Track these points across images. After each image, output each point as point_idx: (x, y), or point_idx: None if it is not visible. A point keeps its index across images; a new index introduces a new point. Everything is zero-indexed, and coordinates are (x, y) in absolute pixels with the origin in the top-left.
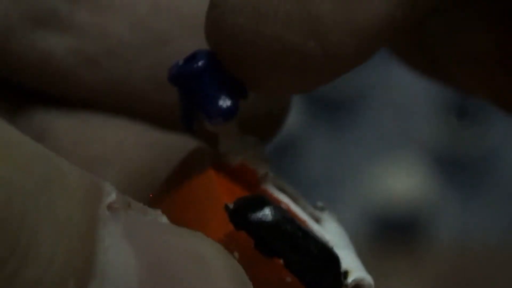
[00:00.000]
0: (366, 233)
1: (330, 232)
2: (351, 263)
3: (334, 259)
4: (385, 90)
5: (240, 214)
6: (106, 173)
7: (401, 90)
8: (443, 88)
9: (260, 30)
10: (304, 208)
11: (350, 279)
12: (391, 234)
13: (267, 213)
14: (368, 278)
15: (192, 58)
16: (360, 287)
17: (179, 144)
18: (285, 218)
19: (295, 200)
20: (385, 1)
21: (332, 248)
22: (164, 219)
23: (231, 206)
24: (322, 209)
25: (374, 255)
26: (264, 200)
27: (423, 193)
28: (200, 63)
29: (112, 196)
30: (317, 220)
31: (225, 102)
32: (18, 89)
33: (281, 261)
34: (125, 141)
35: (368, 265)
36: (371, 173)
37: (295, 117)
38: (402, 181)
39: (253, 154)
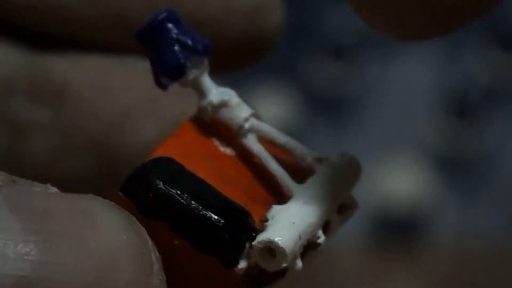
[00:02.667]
0: (365, 233)
1: (300, 193)
2: (280, 229)
3: (236, 221)
4: (384, 89)
5: (126, 181)
6: (141, 126)
7: (400, 90)
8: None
9: None
10: (298, 157)
11: (255, 241)
12: (390, 234)
13: (147, 181)
14: (282, 242)
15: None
16: (273, 251)
17: None
18: (172, 181)
19: (286, 149)
20: None
21: (238, 209)
22: (54, 189)
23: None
24: (319, 161)
25: (373, 255)
26: (153, 168)
27: (422, 193)
28: (160, 17)
29: None
30: (305, 174)
31: (172, 61)
32: (28, 35)
33: (164, 223)
34: (151, 90)
35: (368, 264)
36: (370, 173)
37: (294, 116)
38: (401, 181)
39: (228, 109)
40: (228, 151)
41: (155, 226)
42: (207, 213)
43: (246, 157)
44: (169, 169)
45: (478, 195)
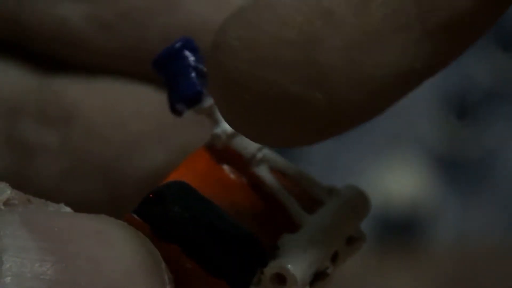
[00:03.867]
0: (366, 233)
1: (310, 223)
2: (291, 257)
3: (247, 247)
4: None
5: (141, 203)
6: (150, 153)
7: None
8: (444, 88)
9: (259, 76)
10: (308, 189)
11: (267, 268)
12: (391, 234)
13: (162, 204)
14: (293, 269)
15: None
16: (284, 278)
17: None
18: (186, 205)
19: (296, 180)
20: (400, 50)
21: (249, 236)
22: (67, 209)
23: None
24: (330, 191)
25: (373, 255)
26: (170, 192)
27: (423, 193)
28: (177, 45)
29: (5, 194)
30: (314, 205)
31: (189, 89)
32: (40, 58)
33: (177, 247)
34: (162, 118)
35: (368, 264)
36: (370, 173)
37: None
38: (402, 181)
39: (242, 138)
40: (239, 179)
41: (167, 249)
42: (220, 239)
43: (257, 186)
44: (184, 193)
45: (478, 195)
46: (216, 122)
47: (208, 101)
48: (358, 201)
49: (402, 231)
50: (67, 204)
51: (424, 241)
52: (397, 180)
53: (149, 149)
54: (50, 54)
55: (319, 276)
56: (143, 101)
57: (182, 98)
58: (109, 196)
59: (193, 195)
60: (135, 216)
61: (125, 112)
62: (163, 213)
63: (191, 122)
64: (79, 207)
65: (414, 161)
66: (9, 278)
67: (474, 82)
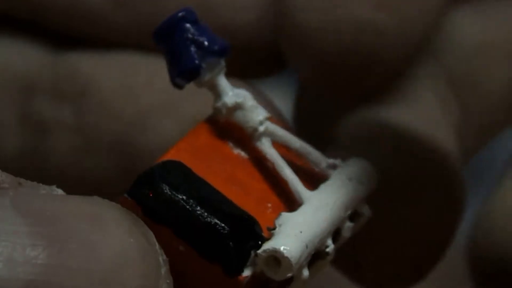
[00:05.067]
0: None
1: (310, 200)
2: (286, 238)
3: (241, 229)
4: None
5: (133, 185)
6: (162, 125)
7: None
8: None
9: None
10: (311, 163)
11: (260, 250)
12: None
13: (153, 185)
14: (288, 251)
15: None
16: (278, 260)
17: None
18: (178, 186)
19: (300, 154)
20: None
21: (244, 217)
22: (59, 191)
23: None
24: (333, 166)
25: None
26: (160, 173)
27: None
28: (177, 16)
29: None
30: (317, 180)
31: (187, 62)
32: (54, 34)
33: (169, 229)
34: (174, 90)
35: None
36: None
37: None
38: None
39: (243, 112)
40: (241, 154)
41: (159, 231)
42: (212, 220)
43: (259, 161)
44: (177, 173)
45: (478, 195)
46: (217, 96)
47: (208, 75)
48: (363, 175)
49: None
50: (81, 180)
51: None
52: None
53: (161, 121)
54: (64, 30)
55: (319, 255)
56: (155, 74)
57: (181, 72)
58: (122, 169)
59: (185, 176)
60: (127, 197)
61: (137, 86)
62: (153, 195)
63: (202, 93)
64: (93, 182)
65: None
66: (0, 263)
67: None
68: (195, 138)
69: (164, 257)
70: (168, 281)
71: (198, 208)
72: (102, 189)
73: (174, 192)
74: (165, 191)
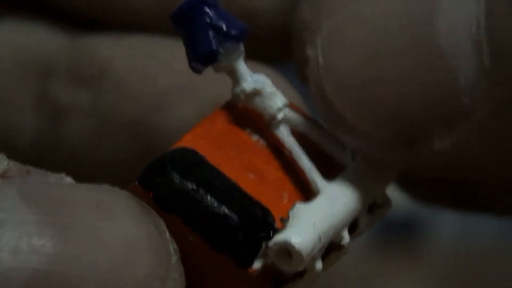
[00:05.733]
0: (366, 233)
1: (327, 191)
2: (299, 230)
3: (253, 220)
4: None
5: (143, 172)
6: (179, 108)
7: None
8: None
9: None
10: (330, 152)
11: (272, 242)
12: (391, 234)
13: (164, 174)
14: (299, 244)
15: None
16: (290, 252)
17: None
18: (189, 174)
19: (319, 143)
20: None
21: (256, 207)
22: (68, 180)
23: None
24: (353, 155)
25: (374, 255)
26: (172, 161)
27: None
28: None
29: (2, 165)
30: (336, 170)
31: (205, 47)
32: (72, 17)
33: (179, 218)
34: (192, 72)
35: (368, 265)
36: None
37: None
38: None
39: (261, 98)
40: (259, 141)
41: (169, 220)
42: (222, 210)
43: (277, 148)
44: (189, 161)
45: None
46: (236, 81)
47: (226, 60)
48: (383, 166)
49: (402, 231)
50: (97, 163)
51: (424, 241)
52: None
53: (179, 104)
54: (82, 13)
55: (333, 247)
56: (173, 56)
57: (197, 57)
58: (139, 152)
59: (197, 164)
60: (137, 184)
61: (154, 68)
62: (164, 183)
63: (222, 76)
64: (110, 165)
65: None
66: (5, 253)
67: None
68: (212, 124)
69: (175, 246)
70: (179, 270)
71: (208, 197)
72: (118, 173)
73: (184, 181)
74: (175, 179)
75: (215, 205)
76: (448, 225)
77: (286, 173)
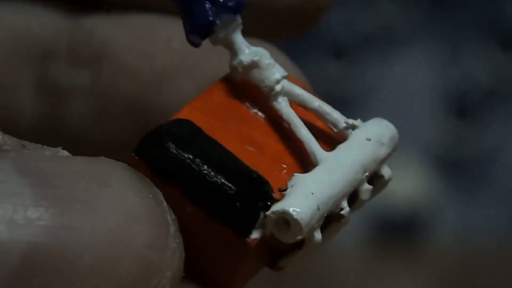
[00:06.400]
0: (366, 233)
1: (326, 161)
2: (297, 199)
3: (250, 189)
4: (384, 89)
5: (140, 143)
6: (179, 86)
7: (400, 90)
8: (443, 87)
9: None
10: (330, 123)
11: (269, 211)
12: (391, 234)
13: (161, 145)
14: (297, 213)
15: None
16: (288, 222)
17: None
18: (185, 145)
19: (318, 114)
20: None
21: (253, 176)
22: (65, 153)
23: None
24: (353, 127)
25: (374, 255)
26: (169, 131)
27: (423, 192)
28: None
29: None
30: (335, 141)
31: (201, 19)
32: None
33: (177, 189)
34: (191, 50)
35: (368, 264)
36: None
37: None
38: (401, 181)
39: (259, 70)
40: (258, 114)
41: (167, 191)
42: (219, 179)
43: (275, 121)
44: (186, 132)
45: (478, 195)
46: (233, 54)
47: (223, 32)
48: (385, 136)
49: (402, 231)
50: (98, 144)
51: (424, 241)
52: (397, 180)
53: (178, 82)
54: None
55: (333, 218)
56: (171, 34)
57: (194, 28)
58: (140, 132)
59: (194, 135)
60: (135, 156)
61: (154, 47)
62: (161, 153)
63: (220, 53)
64: (110, 145)
65: (414, 161)
66: (1, 225)
67: (474, 82)
68: (210, 97)
69: (173, 216)
70: (177, 240)
71: (206, 167)
72: (119, 153)
73: (180, 151)
74: (172, 149)
75: (212, 175)
76: (448, 225)
77: (285, 146)
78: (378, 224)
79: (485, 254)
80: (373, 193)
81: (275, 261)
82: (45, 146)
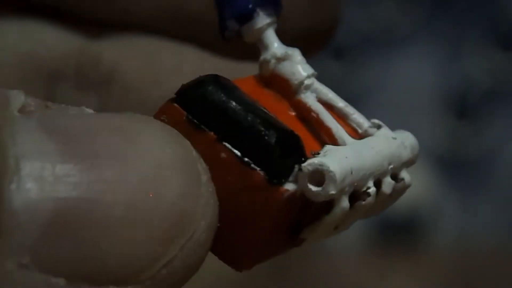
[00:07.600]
0: (366, 233)
1: (354, 145)
2: (330, 158)
3: (287, 141)
4: (384, 89)
5: (181, 88)
6: None
7: (401, 90)
8: (443, 87)
9: None
10: (355, 125)
11: (305, 163)
12: (391, 234)
13: (203, 88)
14: (333, 167)
15: None
16: (322, 178)
17: (238, 71)
18: (228, 92)
19: (344, 115)
20: None
21: (291, 132)
22: (89, 111)
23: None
24: (378, 126)
25: (374, 255)
26: (211, 79)
27: (423, 193)
28: None
29: (20, 100)
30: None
31: (243, 3)
32: (80, 21)
33: (213, 134)
34: (200, 72)
35: (368, 265)
36: None
37: None
38: None
39: (291, 63)
40: (285, 105)
41: (202, 137)
42: (260, 125)
43: (302, 114)
44: (226, 82)
45: (479, 195)
46: (265, 47)
47: (260, 22)
48: (408, 141)
49: (402, 231)
50: None
51: (424, 241)
52: None
53: None
54: (90, 17)
55: (359, 196)
56: (181, 60)
57: (234, 14)
58: None
59: (235, 88)
60: (171, 103)
61: (162, 71)
62: (202, 97)
63: (230, 77)
64: None
65: None
66: (30, 183)
67: (474, 82)
68: (241, 85)
69: (204, 165)
70: (210, 189)
71: (247, 113)
72: None
73: (222, 94)
74: (213, 91)
75: (253, 120)
76: (448, 226)
77: (314, 137)
78: (378, 224)
79: (485, 254)
80: (393, 196)
81: (298, 234)
82: (69, 106)
